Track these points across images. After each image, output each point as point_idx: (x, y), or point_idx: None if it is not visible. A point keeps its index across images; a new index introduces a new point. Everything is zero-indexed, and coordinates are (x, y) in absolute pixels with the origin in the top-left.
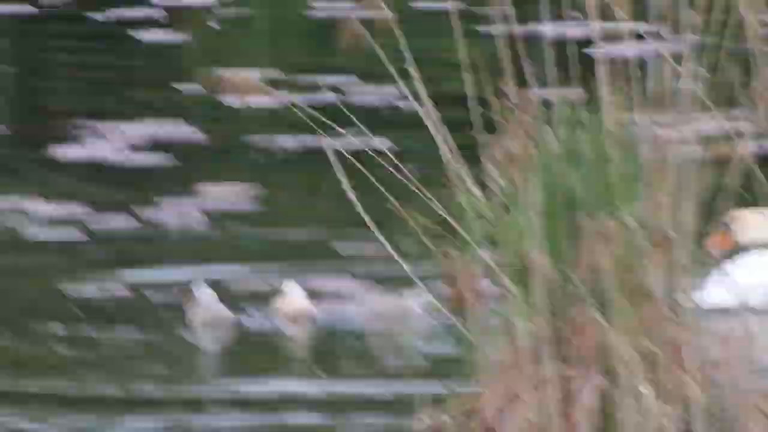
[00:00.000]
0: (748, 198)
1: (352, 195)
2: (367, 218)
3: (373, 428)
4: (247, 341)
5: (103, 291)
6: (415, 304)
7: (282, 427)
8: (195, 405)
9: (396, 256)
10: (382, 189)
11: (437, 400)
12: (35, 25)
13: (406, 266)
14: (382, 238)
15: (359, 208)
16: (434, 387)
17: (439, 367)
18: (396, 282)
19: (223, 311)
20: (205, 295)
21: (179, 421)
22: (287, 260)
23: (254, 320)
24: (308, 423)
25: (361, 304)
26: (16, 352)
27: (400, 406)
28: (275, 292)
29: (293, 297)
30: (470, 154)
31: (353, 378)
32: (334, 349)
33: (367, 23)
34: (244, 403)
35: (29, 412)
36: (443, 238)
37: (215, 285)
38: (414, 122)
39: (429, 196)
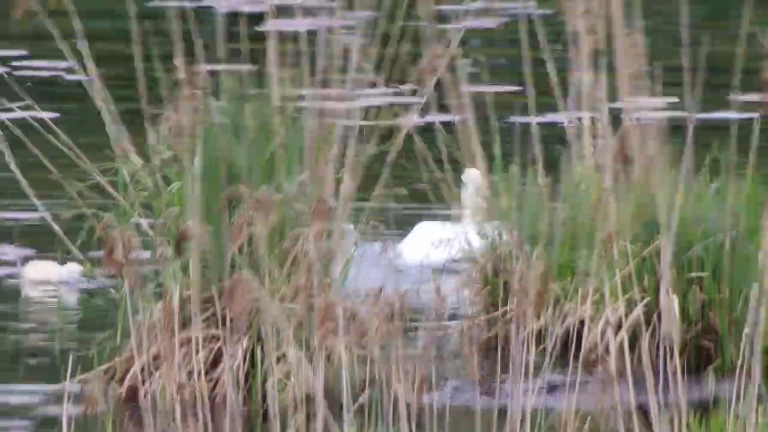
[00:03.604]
0: (408, 167)
1: (14, 166)
2: (27, 186)
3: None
4: None
5: None
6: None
7: None
8: None
9: (53, 223)
10: (41, 157)
11: (87, 366)
12: None
13: (61, 233)
14: (40, 205)
15: (20, 177)
16: (83, 351)
17: (90, 331)
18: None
19: None
20: None
21: None
22: None
23: None
24: None
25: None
26: None
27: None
28: None
29: None
30: (137, 125)
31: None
32: None
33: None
34: None
35: None
36: (101, 206)
37: None
38: (82, 94)
39: (90, 164)
